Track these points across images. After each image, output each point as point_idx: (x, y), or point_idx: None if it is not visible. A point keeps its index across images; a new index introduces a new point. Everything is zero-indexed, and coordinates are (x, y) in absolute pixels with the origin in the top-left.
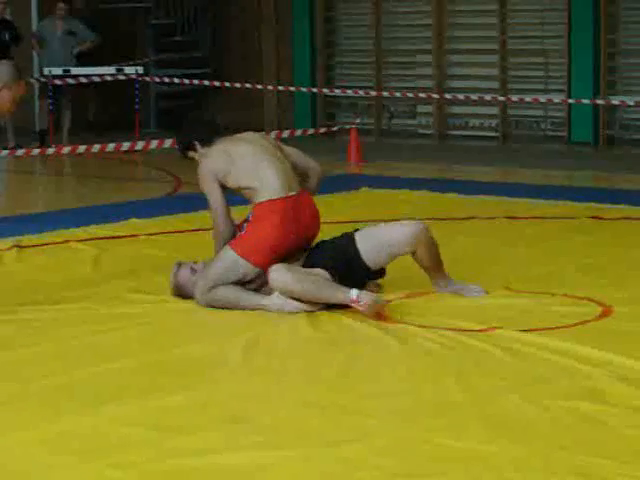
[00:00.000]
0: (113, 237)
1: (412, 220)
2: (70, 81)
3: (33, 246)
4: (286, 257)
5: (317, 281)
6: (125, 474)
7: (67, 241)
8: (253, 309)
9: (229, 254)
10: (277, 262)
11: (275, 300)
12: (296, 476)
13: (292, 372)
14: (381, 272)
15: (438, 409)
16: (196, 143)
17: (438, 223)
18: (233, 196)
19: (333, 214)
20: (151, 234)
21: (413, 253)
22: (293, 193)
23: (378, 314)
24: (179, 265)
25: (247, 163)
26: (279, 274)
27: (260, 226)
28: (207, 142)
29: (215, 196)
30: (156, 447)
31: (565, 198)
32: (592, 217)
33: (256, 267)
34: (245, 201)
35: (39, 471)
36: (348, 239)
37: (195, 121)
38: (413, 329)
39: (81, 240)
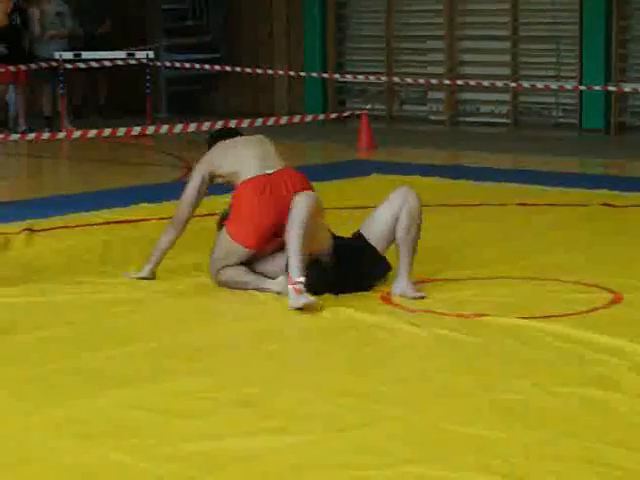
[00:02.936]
0: (124, 221)
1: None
2: (81, 65)
3: (43, 230)
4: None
5: (306, 241)
6: (131, 458)
7: (78, 225)
8: (258, 291)
9: (226, 238)
10: (270, 242)
11: (279, 285)
12: (306, 461)
13: (302, 357)
14: (387, 265)
15: (448, 395)
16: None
17: (448, 209)
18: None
19: (343, 199)
20: (162, 218)
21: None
22: (269, 171)
23: (305, 307)
24: None
25: (231, 152)
26: (306, 199)
27: (240, 205)
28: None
29: (191, 189)
30: (164, 431)
31: (576, 185)
32: (603, 204)
33: (249, 249)
34: None
35: (44, 454)
36: (359, 237)
37: (220, 132)
38: (422, 315)
39: (92, 224)
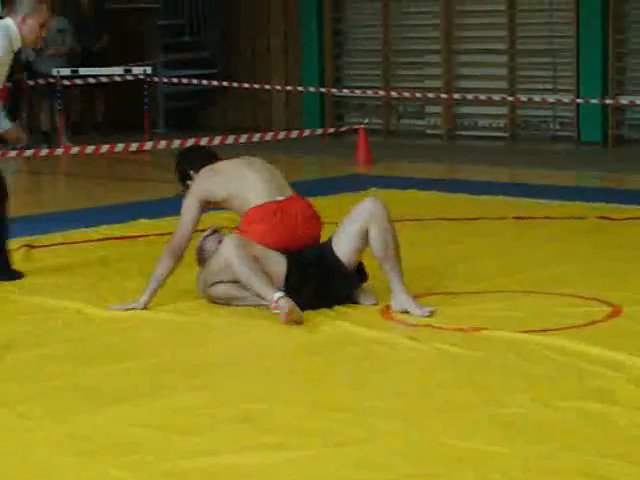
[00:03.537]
0: (123, 237)
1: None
2: (78, 81)
3: (42, 246)
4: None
5: (255, 270)
6: (131, 475)
7: (76, 241)
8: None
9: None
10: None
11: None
12: (305, 477)
13: (300, 372)
14: (361, 277)
15: (447, 410)
16: (191, 172)
17: (446, 223)
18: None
19: (341, 214)
20: (161, 234)
21: (368, 237)
22: (281, 197)
23: (294, 322)
24: (213, 231)
25: (234, 173)
26: (229, 245)
27: (250, 230)
28: (200, 169)
29: (189, 215)
30: (163, 447)
31: (573, 198)
32: (601, 217)
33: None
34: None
35: (45, 472)
36: (328, 249)
37: (189, 151)
38: (421, 330)
39: (90, 240)
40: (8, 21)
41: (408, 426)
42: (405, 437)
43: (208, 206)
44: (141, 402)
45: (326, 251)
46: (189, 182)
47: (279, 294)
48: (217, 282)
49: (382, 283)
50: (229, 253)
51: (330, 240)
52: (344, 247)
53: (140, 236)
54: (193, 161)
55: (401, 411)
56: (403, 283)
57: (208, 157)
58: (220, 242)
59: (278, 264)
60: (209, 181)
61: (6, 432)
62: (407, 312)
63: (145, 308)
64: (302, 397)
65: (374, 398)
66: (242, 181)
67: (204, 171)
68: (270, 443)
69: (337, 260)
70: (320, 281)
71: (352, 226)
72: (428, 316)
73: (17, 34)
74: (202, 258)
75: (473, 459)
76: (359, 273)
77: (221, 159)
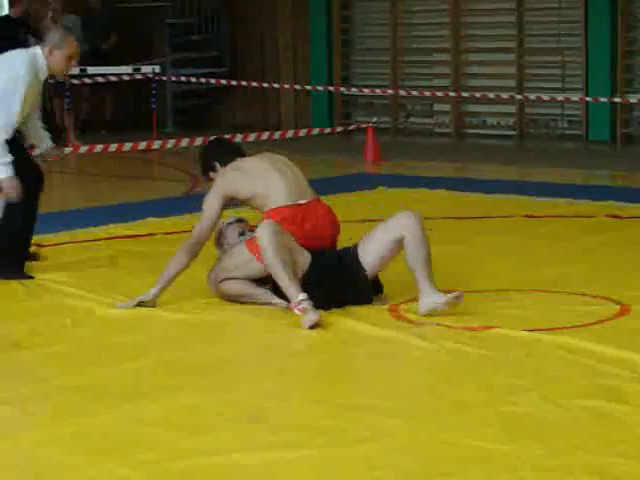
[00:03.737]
0: (130, 236)
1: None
2: (87, 80)
3: (51, 245)
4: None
5: (287, 265)
6: (137, 473)
7: (85, 240)
8: (267, 304)
9: (243, 252)
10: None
11: (285, 303)
12: (312, 476)
13: (309, 371)
14: (377, 287)
15: (455, 408)
16: (216, 164)
17: (455, 222)
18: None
19: (349, 213)
20: (168, 233)
21: (401, 244)
22: (303, 201)
23: (314, 325)
24: (237, 220)
25: (259, 173)
26: (266, 229)
27: None
28: (226, 163)
29: (211, 211)
30: (170, 447)
31: (582, 197)
32: (609, 216)
33: (264, 268)
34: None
35: (50, 470)
36: (352, 255)
37: (215, 143)
38: (430, 328)
39: (98, 239)
40: (36, 51)
41: (415, 425)
42: (412, 436)
43: (230, 203)
44: (149, 401)
45: (348, 257)
46: (212, 174)
47: (303, 296)
48: (228, 279)
49: (389, 285)
50: (265, 241)
51: (356, 247)
52: (372, 256)
53: (148, 235)
54: (219, 154)
55: (409, 410)
56: (433, 282)
57: (234, 151)
58: (241, 233)
59: (303, 259)
60: (234, 180)
61: (12, 430)
62: (434, 312)
63: (154, 301)
64: (310, 396)
65: (382, 397)
66: (266, 181)
67: (230, 168)
68: (278, 442)
69: (361, 270)
70: (337, 286)
71: (385, 236)
72: (457, 299)
73: (44, 64)
74: (221, 242)
75: (481, 458)
76: (375, 285)
77: (245, 154)
